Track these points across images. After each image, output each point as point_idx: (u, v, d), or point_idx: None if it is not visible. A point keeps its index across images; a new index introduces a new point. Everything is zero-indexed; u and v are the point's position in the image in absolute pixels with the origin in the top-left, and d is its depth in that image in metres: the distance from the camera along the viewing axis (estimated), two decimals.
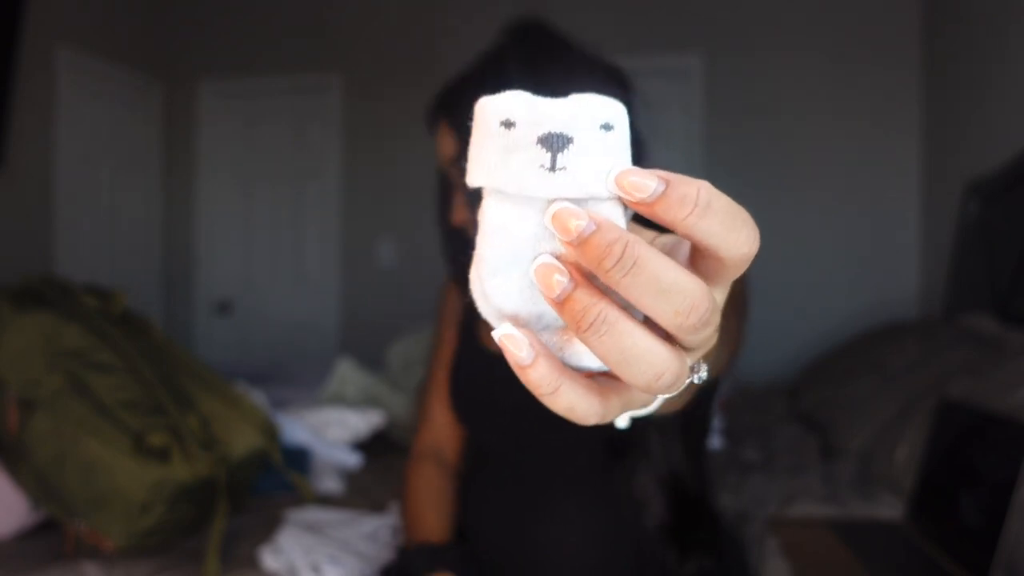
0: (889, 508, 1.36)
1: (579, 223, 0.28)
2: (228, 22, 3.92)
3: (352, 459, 1.66)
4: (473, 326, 1.02)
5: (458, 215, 0.90)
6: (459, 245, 0.95)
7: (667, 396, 0.33)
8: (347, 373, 2.21)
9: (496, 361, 0.95)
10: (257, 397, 1.71)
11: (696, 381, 0.34)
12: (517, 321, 0.31)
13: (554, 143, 0.29)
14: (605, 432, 0.85)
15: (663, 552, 0.87)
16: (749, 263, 0.30)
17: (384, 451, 1.83)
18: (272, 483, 1.42)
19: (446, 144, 0.88)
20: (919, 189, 3.12)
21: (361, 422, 1.77)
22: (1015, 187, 2.10)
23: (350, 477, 1.59)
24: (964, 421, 1.26)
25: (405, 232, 3.71)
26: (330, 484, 1.48)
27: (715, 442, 1.86)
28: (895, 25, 3.14)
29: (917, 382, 1.75)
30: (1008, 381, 1.39)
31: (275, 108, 3.91)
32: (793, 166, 3.26)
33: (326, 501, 1.42)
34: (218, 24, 3.93)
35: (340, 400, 2.11)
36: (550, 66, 0.81)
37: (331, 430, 1.71)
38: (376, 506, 1.42)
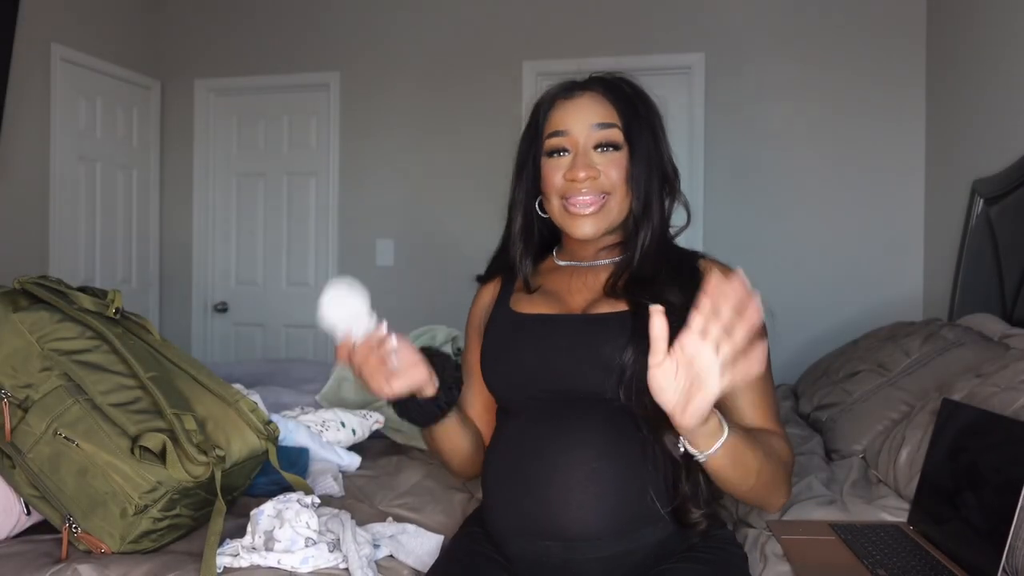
0: (893, 511, 1.35)
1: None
2: (225, 21, 3.91)
3: (350, 461, 1.65)
4: (507, 298, 1.14)
5: (582, 169, 1.03)
6: (530, 200, 1.13)
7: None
8: (345, 373, 2.19)
9: (522, 320, 1.08)
10: (254, 398, 1.70)
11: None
12: None
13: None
14: (614, 384, 0.97)
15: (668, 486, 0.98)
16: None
17: (382, 452, 1.82)
18: (270, 485, 1.40)
19: (605, 109, 1.05)
20: (925, 189, 3.11)
21: (359, 424, 1.75)
22: (1021, 187, 2.09)
23: (348, 479, 1.58)
24: (969, 422, 1.25)
25: (403, 231, 3.70)
26: (328, 486, 1.47)
27: None
28: (900, 26, 3.13)
29: (921, 383, 1.74)
30: (1014, 382, 1.38)
31: (272, 106, 3.90)
32: (797, 168, 3.26)
33: (324, 503, 1.40)
34: (214, 23, 3.92)
35: (338, 400, 2.09)
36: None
37: (329, 432, 1.69)
38: (374, 507, 1.41)
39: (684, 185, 1.17)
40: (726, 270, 1.07)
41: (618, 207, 1.06)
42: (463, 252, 3.59)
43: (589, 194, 1.04)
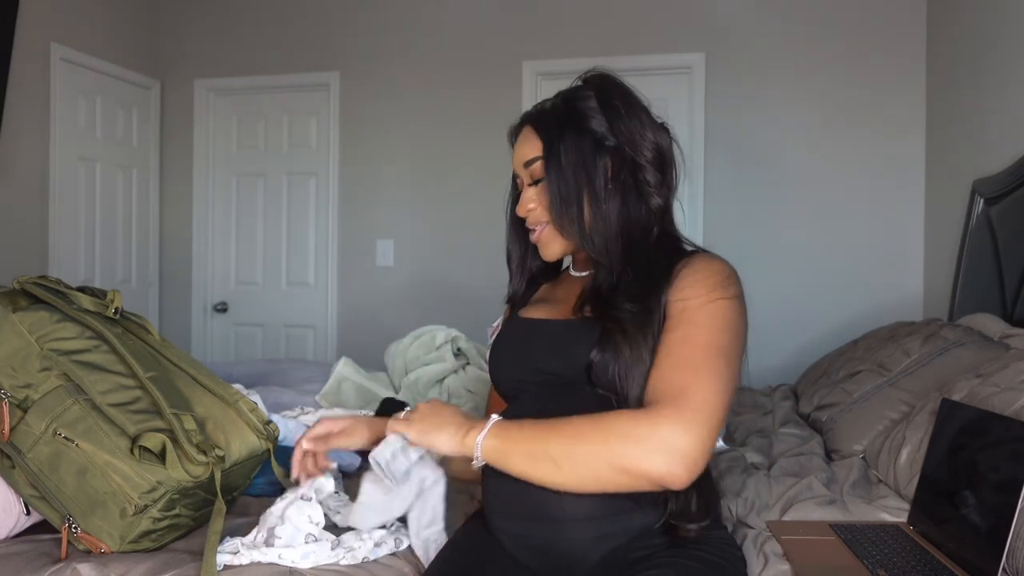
0: (893, 511, 1.35)
1: None
2: (224, 21, 3.91)
3: (350, 461, 1.65)
4: (521, 304, 1.23)
5: (522, 208, 1.14)
6: (517, 232, 1.22)
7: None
8: (345, 373, 2.19)
9: (525, 324, 1.15)
10: (254, 398, 1.69)
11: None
12: None
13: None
14: (584, 378, 1.04)
15: None
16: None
17: None
18: (270, 485, 1.40)
19: (531, 145, 1.12)
20: (925, 190, 3.11)
21: None
22: (1021, 187, 2.09)
23: (348, 479, 1.57)
24: (968, 422, 1.25)
25: (403, 231, 3.70)
26: (328, 485, 1.47)
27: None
28: (900, 26, 3.13)
29: (922, 383, 1.74)
30: (1014, 382, 1.38)
31: (272, 106, 3.90)
32: (798, 168, 3.25)
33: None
34: (215, 23, 3.92)
35: (338, 400, 2.10)
36: (616, 100, 1.10)
37: None
38: None
39: (684, 185, 1.18)
40: (704, 257, 1.07)
41: (556, 229, 1.12)
42: (463, 252, 3.60)
43: (534, 225, 1.14)
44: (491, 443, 0.96)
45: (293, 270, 3.90)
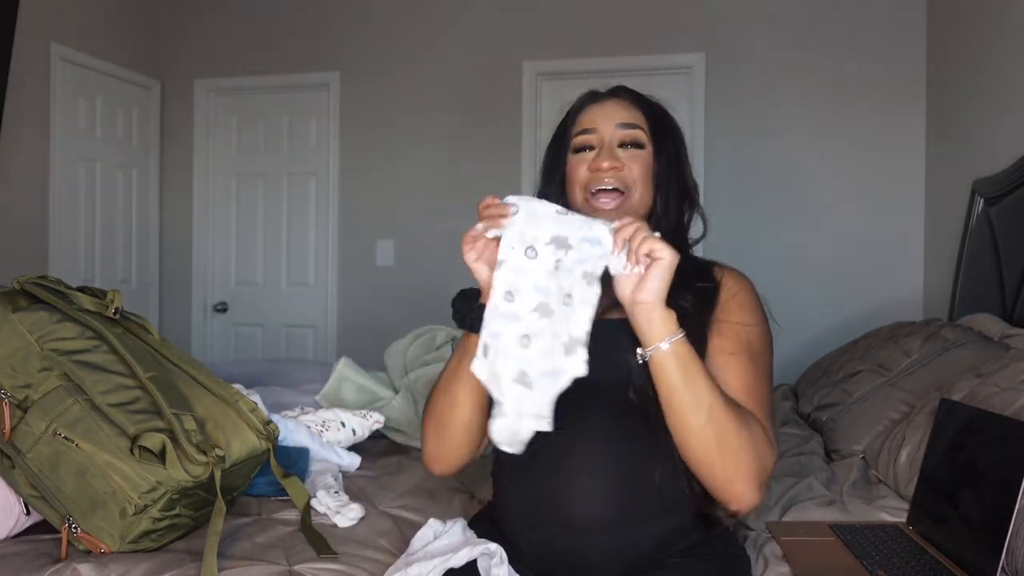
0: (893, 511, 1.35)
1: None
2: (224, 21, 3.91)
3: (350, 461, 1.65)
4: None
5: (611, 159, 1.08)
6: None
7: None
8: (345, 373, 2.19)
9: None
10: (254, 398, 1.69)
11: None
12: None
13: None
14: (625, 382, 0.99)
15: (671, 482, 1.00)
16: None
17: (382, 453, 1.82)
18: (269, 485, 1.40)
19: (633, 113, 1.11)
20: (925, 190, 3.11)
21: (359, 424, 1.75)
22: (1021, 187, 2.09)
23: (348, 479, 1.58)
24: (966, 422, 1.25)
25: (403, 231, 3.70)
26: (328, 485, 1.47)
27: None
28: (901, 27, 3.13)
29: (922, 383, 1.74)
30: (1014, 382, 1.37)
31: (272, 106, 3.90)
32: (797, 168, 3.25)
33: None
34: (214, 23, 3.92)
35: (338, 400, 2.09)
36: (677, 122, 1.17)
37: (329, 432, 1.69)
38: (375, 508, 1.41)
39: None
40: (740, 275, 1.11)
41: (636, 205, 1.09)
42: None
43: (611, 185, 1.07)
44: (681, 348, 0.91)
45: (293, 270, 3.90)
